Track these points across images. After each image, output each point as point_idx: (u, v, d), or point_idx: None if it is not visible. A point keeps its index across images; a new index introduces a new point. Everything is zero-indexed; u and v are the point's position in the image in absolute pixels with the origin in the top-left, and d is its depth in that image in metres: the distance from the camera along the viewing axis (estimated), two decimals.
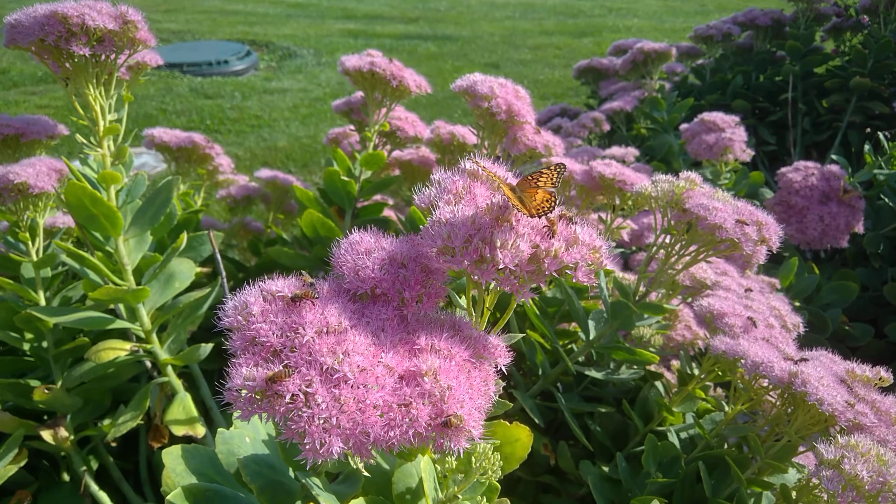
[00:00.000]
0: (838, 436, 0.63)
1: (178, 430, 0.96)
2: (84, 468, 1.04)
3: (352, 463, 0.56)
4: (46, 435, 0.99)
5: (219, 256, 0.93)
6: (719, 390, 1.23)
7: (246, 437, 0.68)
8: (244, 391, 0.40)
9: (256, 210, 1.67)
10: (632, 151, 1.92)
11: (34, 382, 1.02)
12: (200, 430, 0.98)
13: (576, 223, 0.47)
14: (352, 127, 1.61)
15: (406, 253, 0.49)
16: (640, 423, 0.98)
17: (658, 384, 1.07)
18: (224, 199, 1.54)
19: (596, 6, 8.29)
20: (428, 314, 0.49)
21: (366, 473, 0.53)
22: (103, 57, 0.86)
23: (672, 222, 0.91)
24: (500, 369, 0.48)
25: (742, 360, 0.83)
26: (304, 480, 0.55)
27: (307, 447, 0.39)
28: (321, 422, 0.39)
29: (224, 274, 0.93)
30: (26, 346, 1.04)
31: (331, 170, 1.20)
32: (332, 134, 1.59)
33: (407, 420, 0.41)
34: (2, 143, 1.12)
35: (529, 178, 0.51)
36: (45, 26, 0.80)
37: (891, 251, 1.73)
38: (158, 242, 1.14)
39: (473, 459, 0.52)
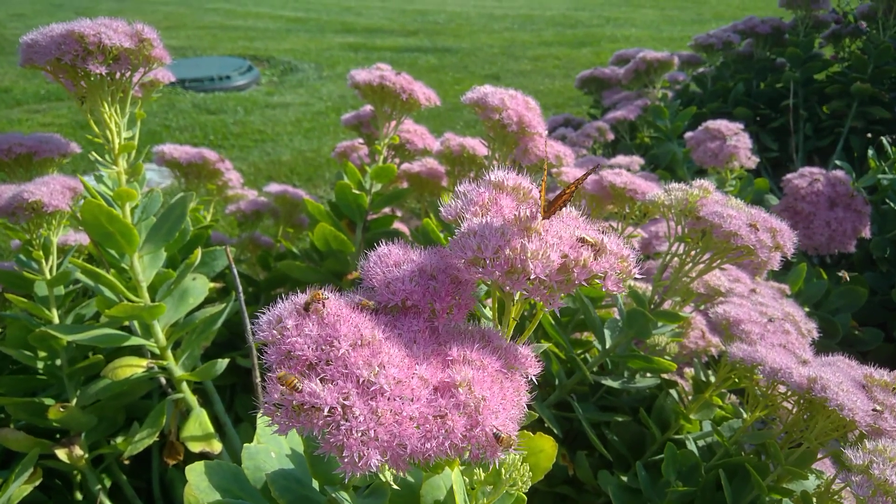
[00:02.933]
0: (865, 441, 0.63)
1: (195, 447, 0.96)
2: (99, 486, 1.04)
3: (381, 476, 0.57)
4: (61, 454, 0.99)
5: (235, 272, 0.93)
6: (733, 397, 1.23)
7: (271, 451, 0.68)
8: (280, 406, 0.40)
9: (264, 225, 1.67)
10: (637, 160, 1.93)
11: (48, 401, 1.02)
12: (217, 447, 0.97)
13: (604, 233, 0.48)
14: (360, 140, 1.61)
15: (435, 264, 0.49)
16: (658, 431, 0.98)
17: (673, 392, 1.06)
18: (233, 214, 1.55)
19: (594, 17, 8.34)
20: (457, 325, 0.49)
21: (394, 486, 0.53)
22: (118, 75, 0.87)
23: (686, 230, 0.92)
24: (531, 379, 0.48)
25: (760, 367, 0.83)
26: (332, 494, 0.55)
27: (346, 461, 0.39)
28: (359, 434, 0.39)
29: (240, 289, 0.93)
30: (40, 365, 1.04)
31: (342, 183, 1.20)
32: (340, 147, 1.60)
33: (443, 432, 0.41)
34: (14, 162, 1.12)
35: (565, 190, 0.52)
36: (61, 45, 0.81)
37: None
38: (170, 258, 1.14)
39: (503, 471, 0.52)
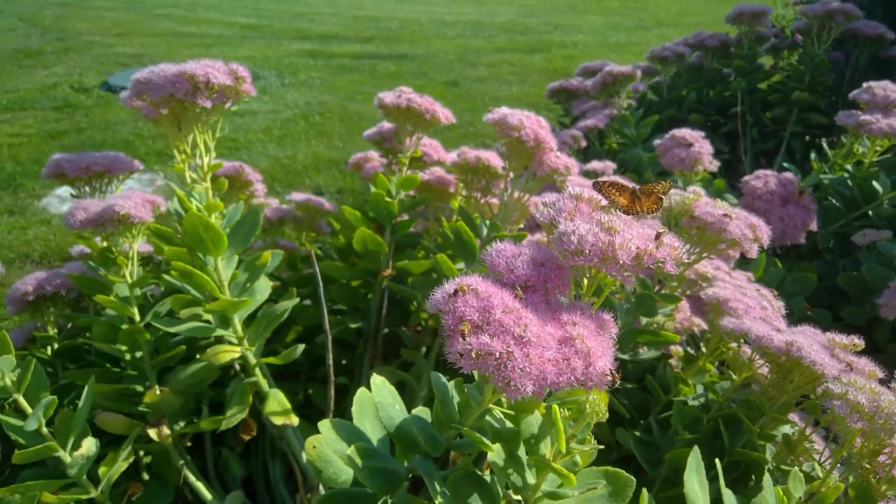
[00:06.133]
0: (842, 377, 0.84)
1: (278, 420, 1.11)
2: (182, 462, 1.18)
3: (488, 419, 0.75)
4: (152, 433, 1.13)
5: (318, 268, 1.10)
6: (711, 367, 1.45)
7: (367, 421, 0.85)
8: (462, 354, 0.58)
9: (284, 230, 1.81)
10: (610, 165, 2.15)
11: (138, 387, 1.16)
12: (295, 420, 1.13)
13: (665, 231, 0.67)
14: (373, 152, 1.78)
15: (542, 255, 0.67)
16: (662, 394, 1.18)
17: (670, 363, 1.27)
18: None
19: (542, 23, 8.63)
20: (560, 300, 0.67)
21: (508, 423, 0.71)
22: (210, 105, 1.02)
23: (681, 227, 1.12)
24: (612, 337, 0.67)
25: (747, 335, 1.04)
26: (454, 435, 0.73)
27: (511, 388, 0.57)
28: (519, 371, 0.57)
29: (321, 285, 1.09)
30: (128, 357, 1.18)
31: (377, 192, 1.37)
32: (354, 159, 1.76)
33: (569, 370, 0.60)
34: (89, 178, 1.25)
35: (647, 186, 0.73)
36: (175, 84, 0.95)
37: (839, 246, 2.00)
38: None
39: (587, 406, 0.71)
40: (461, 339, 0.58)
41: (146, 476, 1.27)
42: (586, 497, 0.80)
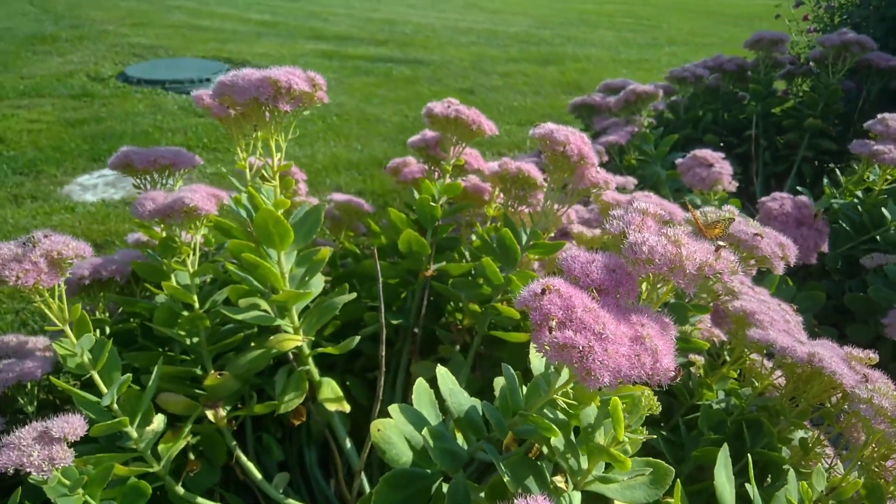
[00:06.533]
0: (867, 385, 0.92)
1: (331, 407, 1.19)
2: (234, 443, 1.26)
3: (545, 410, 0.83)
4: (210, 414, 1.21)
5: (379, 267, 1.17)
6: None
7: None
8: (549, 345, 0.66)
9: (323, 229, 1.89)
10: (631, 180, 2.24)
11: (198, 371, 1.24)
12: (346, 407, 1.21)
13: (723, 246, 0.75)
14: (411, 158, 1.86)
15: (612, 262, 0.75)
16: (687, 398, 1.26)
17: (692, 369, 1.36)
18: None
19: (555, 35, 8.73)
20: (628, 303, 0.75)
21: (570, 412, 0.79)
22: (289, 109, 1.10)
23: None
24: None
25: (772, 345, 1.12)
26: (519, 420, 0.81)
27: (590, 379, 0.65)
28: (599, 363, 0.65)
29: (381, 279, 1.17)
30: (187, 342, 1.25)
31: (423, 197, 1.45)
32: (392, 164, 1.84)
33: (639, 364, 0.68)
34: (156, 171, 1.33)
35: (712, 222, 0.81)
36: (259, 88, 1.03)
37: (847, 267, 2.09)
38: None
39: (642, 399, 0.79)
40: (548, 333, 0.66)
41: (191, 456, 1.35)
42: (631, 483, 0.88)
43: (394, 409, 0.90)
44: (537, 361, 0.90)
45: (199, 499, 1.15)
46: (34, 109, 4.48)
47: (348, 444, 1.31)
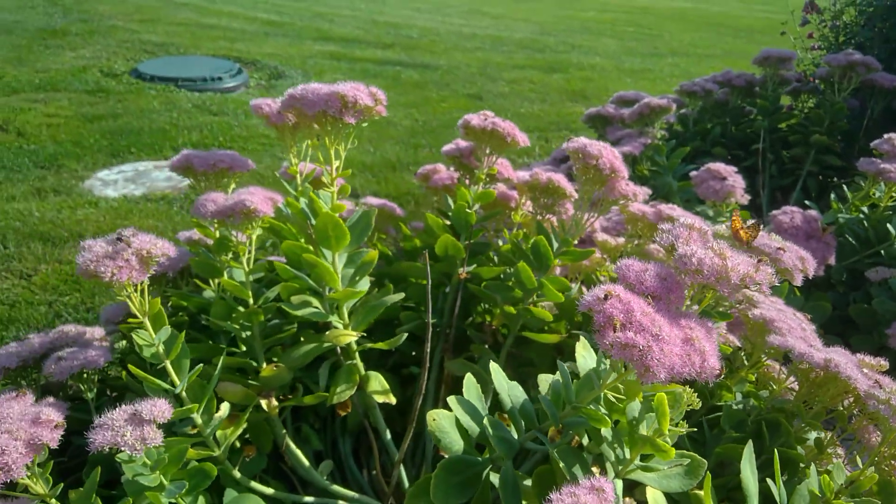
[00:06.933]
0: (881, 388, 1.01)
1: (379, 399, 1.27)
2: (284, 431, 1.34)
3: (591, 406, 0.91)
4: (264, 403, 1.29)
5: (429, 269, 1.26)
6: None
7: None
8: (613, 344, 0.74)
9: None
10: (645, 190, 2.32)
11: (254, 363, 1.32)
12: (393, 399, 1.29)
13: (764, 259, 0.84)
14: (440, 165, 1.94)
15: (663, 272, 0.84)
16: (708, 398, 1.35)
17: None
18: None
19: (559, 42, 8.83)
20: (677, 308, 0.84)
21: (616, 403, 0.88)
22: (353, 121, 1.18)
23: None
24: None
25: (791, 351, 1.21)
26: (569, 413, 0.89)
27: (649, 375, 0.73)
28: (657, 361, 0.74)
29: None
30: (242, 335, 1.33)
31: (459, 203, 1.53)
32: (423, 170, 1.92)
33: (690, 363, 0.76)
34: (213, 175, 1.41)
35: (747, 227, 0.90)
36: (327, 101, 1.11)
37: (851, 280, 2.18)
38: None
39: (684, 395, 0.88)
40: (612, 332, 0.75)
41: (237, 444, 1.42)
42: (668, 472, 0.96)
43: (452, 400, 0.98)
44: (582, 360, 0.98)
45: (253, 483, 1.23)
46: (51, 104, 4.54)
47: (388, 435, 1.39)
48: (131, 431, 0.90)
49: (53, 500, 0.94)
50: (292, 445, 1.33)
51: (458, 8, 11.71)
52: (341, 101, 1.12)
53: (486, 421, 0.92)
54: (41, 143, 3.76)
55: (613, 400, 0.89)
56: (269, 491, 1.25)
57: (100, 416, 0.93)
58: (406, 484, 1.39)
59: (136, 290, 1.03)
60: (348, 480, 1.54)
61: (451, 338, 1.57)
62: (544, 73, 6.89)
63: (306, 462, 1.33)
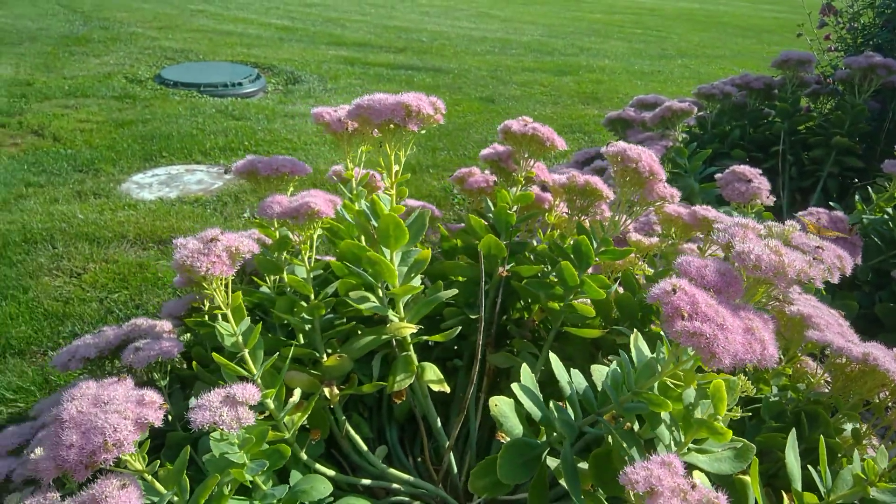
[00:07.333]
0: None
1: (435, 388, 1.35)
2: (343, 417, 1.41)
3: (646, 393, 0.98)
4: (326, 391, 1.36)
5: (483, 268, 1.33)
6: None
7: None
8: (681, 332, 0.81)
9: None
10: (675, 192, 2.39)
11: (316, 353, 1.39)
12: (447, 388, 1.37)
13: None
14: (475, 168, 2.01)
15: (722, 268, 0.91)
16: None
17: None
18: None
19: (568, 45, 8.90)
20: (734, 300, 0.91)
21: (671, 386, 0.94)
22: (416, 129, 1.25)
23: None
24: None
25: (830, 345, 1.27)
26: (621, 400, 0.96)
27: (714, 361, 0.80)
28: (722, 348, 0.80)
29: (484, 280, 1.32)
30: (305, 328, 1.41)
31: (501, 205, 1.61)
32: (459, 173, 1.99)
33: (751, 351, 0.83)
34: (276, 179, 1.49)
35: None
36: (393, 111, 1.19)
37: (876, 279, 2.24)
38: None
39: (739, 382, 0.94)
40: (680, 321, 0.82)
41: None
42: (720, 455, 1.03)
43: (516, 387, 1.05)
44: (636, 352, 1.05)
45: (318, 465, 1.31)
46: (82, 110, 4.64)
47: (439, 423, 1.46)
48: (227, 412, 0.97)
49: (148, 476, 1.01)
50: (352, 431, 1.40)
51: (467, 11, 11.80)
52: (406, 110, 1.20)
53: (552, 405, 0.99)
54: (77, 148, 3.85)
55: (671, 386, 0.96)
56: (331, 473, 1.32)
57: (196, 399, 1.00)
58: (455, 469, 1.46)
59: (222, 284, 1.11)
60: (395, 466, 1.61)
61: (493, 332, 1.64)
62: (554, 76, 6.95)
63: (364, 447, 1.40)
